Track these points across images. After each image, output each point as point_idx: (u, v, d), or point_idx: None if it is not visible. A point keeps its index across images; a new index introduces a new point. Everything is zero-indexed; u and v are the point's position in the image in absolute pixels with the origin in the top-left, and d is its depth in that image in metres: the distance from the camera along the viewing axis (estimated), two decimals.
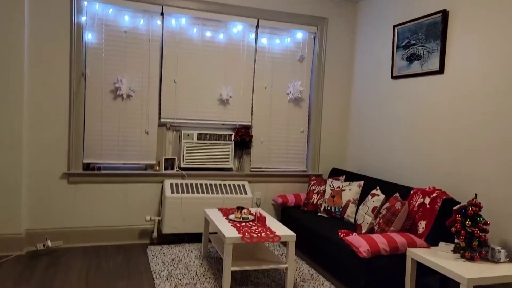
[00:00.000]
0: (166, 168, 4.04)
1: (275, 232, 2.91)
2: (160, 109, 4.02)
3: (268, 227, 3.03)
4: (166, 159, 4.04)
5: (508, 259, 2.52)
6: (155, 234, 3.90)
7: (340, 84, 4.52)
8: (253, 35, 4.23)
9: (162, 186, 3.97)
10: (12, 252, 3.45)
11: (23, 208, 3.52)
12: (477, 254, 2.48)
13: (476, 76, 2.94)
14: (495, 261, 2.49)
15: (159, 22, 3.92)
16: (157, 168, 4.02)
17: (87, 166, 3.85)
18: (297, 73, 4.43)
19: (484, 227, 2.50)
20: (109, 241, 3.86)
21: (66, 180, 3.73)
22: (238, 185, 4.12)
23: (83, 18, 3.68)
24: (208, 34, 4.09)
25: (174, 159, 4.07)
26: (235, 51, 4.19)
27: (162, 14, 3.92)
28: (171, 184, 3.93)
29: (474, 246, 2.49)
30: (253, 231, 2.92)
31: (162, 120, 4.03)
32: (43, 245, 3.49)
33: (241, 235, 2.79)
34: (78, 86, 3.69)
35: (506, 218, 2.64)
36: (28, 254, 3.47)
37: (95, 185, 3.82)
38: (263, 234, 2.85)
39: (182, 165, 4.05)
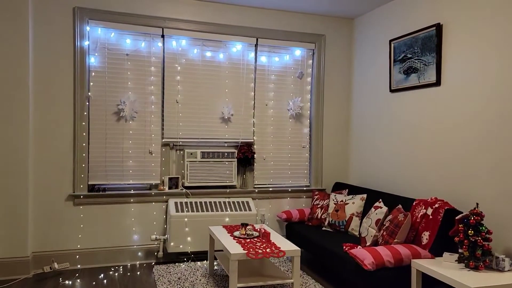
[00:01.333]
0: (170, 187, 4.08)
1: (279, 248, 2.92)
2: (163, 129, 4.09)
3: (273, 243, 3.05)
4: (170, 178, 4.09)
5: None
6: (160, 253, 3.91)
7: (340, 98, 4.59)
8: (252, 54, 4.32)
9: (167, 205, 4.01)
10: (20, 276, 3.47)
11: (29, 231, 3.56)
12: (481, 263, 2.49)
13: (472, 87, 3.00)
14: (500, 269, 2.49)
15: (160, 44, 4.03)
16: (162, 187, 4.06)
17: (92, 188, 3.90)
18: (297, 89, 4.50)
19: (487, 236, 2.51)
20: (115, 262, 3.88)
21: (72, 202, 3.77)
22: (242, 202, 4.15)
23: (86, 43, 3.79)
24: (208, 54, 4.19)
25: (178, 178, 4.12)
26: (235, 69, 4.28)
27: (162, 36, 4.03)
28: (176, 203, 3.96)
29: (478, 255, 2.50)
30: (258, 247, 2.93)
31: (165, 140, 4.09)
32: (50, 267, 3.52)
33: (246, 251, 2.81)
34: (82, 108, 3.78)
35: (509, 227, 2.65)
36: (35, 277, 3.49)
37: (100, 206, 3.86)
38: (268, 250, 2.86)
39: (186, 184, 4.10)
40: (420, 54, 3.48)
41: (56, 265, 3.53)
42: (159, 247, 3.93)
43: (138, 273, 3.66)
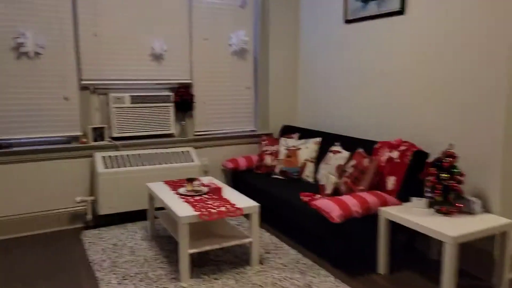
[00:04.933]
0: (95, 140, 3.42)
1: (235, 205, 2.54)
2: (79, 69, 3.33)
3: (226, 200, 2.65)
4: (94, 129, 3.42)
5: (483, 209, 2.42)
6: (89, 216, 3.34)
7: (288, 31, 4.10)
8: None
9: (93, 161, 3.38)
10: None
11: None
12: (454, 208, 2.34)
13: (440, 15, 2.69)
14: (471, 213, 2.38)
15: None
16: (84, 140, 3.39)
17: None
18: (240, 21, 3.92)
19: (460, 178, 2.35)
20: (32, 230, 3.24)
21: None
22: (182, 152, 3.65)
23: None
24: None
25: (103, 128, 3.46)
26: None
27: None
28: (103, 158, 3.35)
29: (450, 200, 2.35)
30: (210, 205, 2.52)
31: (83, 82, 3.35)
32: None
33: (198, 213, 2.38)
34: None
35: (478, 167, 2.51)
36: None
37: (7, 166, 3.12)
38: (222, 209, 2.46)
39: (114, 135, 3.46)
40: None
41: None
42: (87, 209, 3.35)
43: (63, 241, 3.09)
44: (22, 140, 3.21)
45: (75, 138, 3.40)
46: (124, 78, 3.50)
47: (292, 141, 3.59)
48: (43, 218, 3.27)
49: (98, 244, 2.99)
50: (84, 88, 3.39)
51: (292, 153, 3.50)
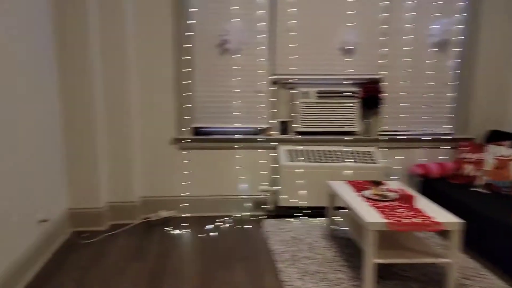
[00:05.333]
0: (280, 133, 3.52)
1: (431, 218, 2.21)
2: (272, 64, 3.46)
3: (419, 210, 2.34)
4: (280, 122, 3.52)
5: None
6: (270, 206, 3.47)
7: (504, 21, 3.42)
8: None
9: (277, 153, 3.48)
10: (128, 220, 3.31)
11: (135, 175, 3.33)
12: None
13: None
14: None
15: None
16: (270, 132, 3.53)
17: (196, 131, 3.51)
18: (444, 8, 3.45)
19: None
20: (220, 211, 3.55)
21: (176, 146, 3.45)
22: (365, 152, 3.44)
23: None
24: None
25: (289, 122, 3.53)
26: None
27: None
28: (287, 151, 3.42)
29: None
30: (400, 214, 2.26)
31: (274, 77, 3.47)
32: (157, 215, 3.30)
33: (387, 221, 2.16)
34: (182, 40, 3.29)
35: None
36: (143, 224, 3.30)
37: (205, 151, 3.48)
38: (416, 220, 2.17)
39: (299, 129, 3.49)
40: None
41: (163, 213, 3.30)
42: (268, 199, 3.48)
43: (247, 226, 3.28)
44: (217, 129, 3.52)
45: (262, 130, 3.57)
46: (313, 73, 3.49)
47: (503, 150, 2.98)
48: (229, 201, 3.54)
49: (278, 235, 3.06)
50: (274, 82, 3.52)
51: (502, 163, 2.91)
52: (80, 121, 3.03)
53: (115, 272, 2.50)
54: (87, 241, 2.94)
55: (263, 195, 3.55)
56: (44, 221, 2.65)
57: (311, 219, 3.38)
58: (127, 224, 3.27)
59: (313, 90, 3.45)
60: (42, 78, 2.70)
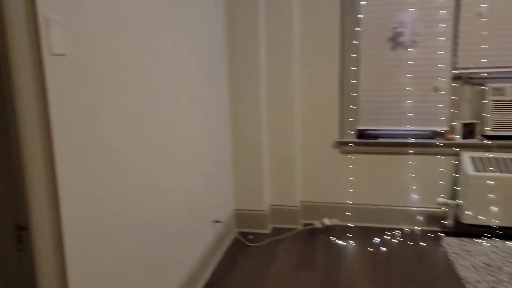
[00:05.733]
0: (463, 137, 3.01)
1: None
2: (455, 56, 2.96)
3: None
4: (464, 124, 3.00)
5: None
6: (450, 222, 2.99)
7: None
8: None
9: (459, 161, 2.98)
10: (289, 225, 3.22)
11: (297, 179, 3.22)
12: None
13: None
14: None
15: None
16: (451, 136, 3.04)
17: (361, 134, 3.23)
18: None
19: None
20: (388, 223, 3.20)
21: (339, 150, 3.23)
22: None
23: None
24: None
25: (474, 124, 2.98)
26: None
27: None
28: (473, 158, 2.89)
29: None
30: None
31: (457, 71, 2.97)
32: (320, 222, 3.14)
33: None
34: (350, 36, 3.05)
35: None
36: (306, 231, 3.17)
37: (370, 155, 3.18)
38: None
39: (488, 132, 2.93)
40: None
41: (326, 220, 3.12)
42: (448, 213, 3.00)
43: (422, 243, 2.87)
44: (384, 132, 3.18)
45: (439, 134, 3.10)
46: (509, 65, 2.88)
47: None
48: (399, 213, 3.17)
49: (466, 258, 2.59)
50: (456, 77, 3.01)
51: None
52: (246, 124, 3.04)
53: (285, 279, 2.40)
54: (255, 245, 2.93)
55: (441, 208, 3.08)
56: (218, 222, 2.72)
57: (507, 242, 2.79)
58: (288, 229, 3.19)
59: (509, 85, 2.85)
60: (216, 82, 2.77)
